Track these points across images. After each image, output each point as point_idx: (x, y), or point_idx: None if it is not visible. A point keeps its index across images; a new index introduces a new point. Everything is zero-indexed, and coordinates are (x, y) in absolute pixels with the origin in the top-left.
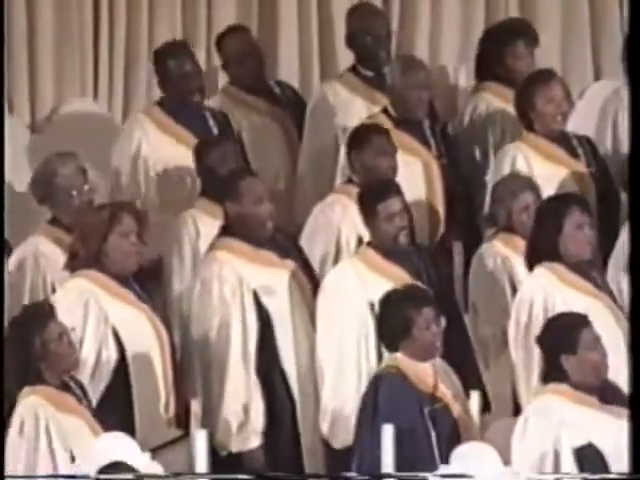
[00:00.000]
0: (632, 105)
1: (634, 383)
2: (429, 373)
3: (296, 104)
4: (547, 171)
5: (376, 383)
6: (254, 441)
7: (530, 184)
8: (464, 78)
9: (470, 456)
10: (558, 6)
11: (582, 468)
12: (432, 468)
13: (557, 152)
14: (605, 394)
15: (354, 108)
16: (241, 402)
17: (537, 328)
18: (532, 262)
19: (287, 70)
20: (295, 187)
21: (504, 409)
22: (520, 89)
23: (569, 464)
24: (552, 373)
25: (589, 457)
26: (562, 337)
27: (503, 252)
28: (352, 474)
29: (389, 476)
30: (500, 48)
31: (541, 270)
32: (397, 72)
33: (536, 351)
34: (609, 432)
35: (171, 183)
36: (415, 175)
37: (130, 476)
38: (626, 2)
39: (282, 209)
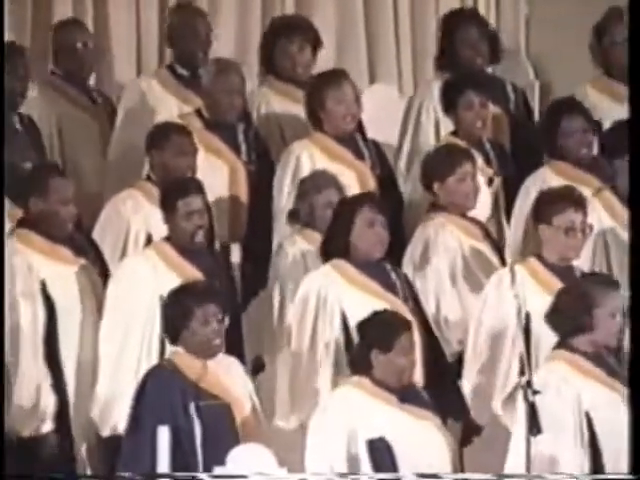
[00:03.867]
0: (632, 105)
1: (634, 383)
2: (207, 369)
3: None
4: (332, 170)
5: (146, 377)
6: (45, 426)
7: (335, 182)
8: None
9: (246, 457)
10: (334, 7)
11: (373, 460)
12: (195, 468)
13: (343, 152)
14: (406, 394)
15: (167, 106)
16: (32, 388)
17: (310, 323)
18: (325, 259)
19: (118, 67)
20: (105, 181)
21: (281, 408)
22: (310, 88)
23: (363, 455)
24: (358, 366)
25: (380, 450)
26: (380, 333)
27: (303, 248)
28: (126, 474)
29: (163, 476)
30: (280, 44)
31: (326, 267)
32: (212, 74)
33: (320, 346)
34: (404, 430)
35: None
36: (220, 178)
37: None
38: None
39: (95, 207)
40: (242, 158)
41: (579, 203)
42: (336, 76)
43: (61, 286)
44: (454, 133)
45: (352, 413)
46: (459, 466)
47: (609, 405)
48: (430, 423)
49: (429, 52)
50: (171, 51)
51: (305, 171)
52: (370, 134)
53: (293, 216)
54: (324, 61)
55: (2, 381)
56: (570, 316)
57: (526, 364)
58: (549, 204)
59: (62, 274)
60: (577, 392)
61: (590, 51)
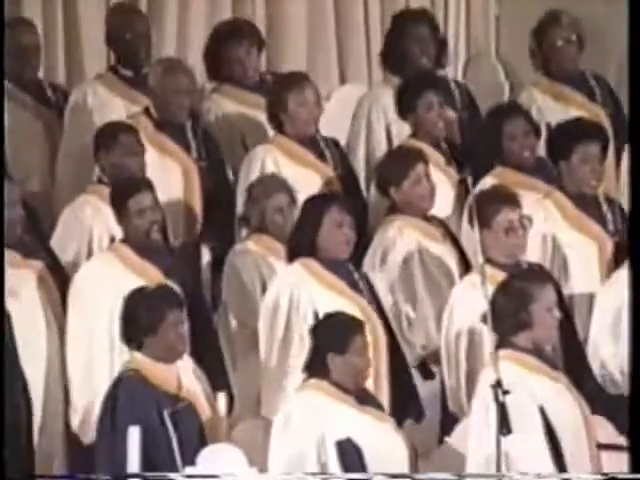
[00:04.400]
0: (632, 105)
1: (634, 383)
2: (173, 374)
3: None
4: (296, 174)
5: (116, 385)
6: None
7: (285, 186)
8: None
9: (216, 457)
10: (304, 7)
11: (343, 462)
12: (174, 470)
13: (306, 155)
14: (362, 395)
15: (113, 108)
16: None
17: (282, 323)
18: (290, 258)
19: (55, 69)
20: (54, 187)
21: (251, 410)
22: (272, 91)
23: (332, 458)
24: (315, 369)
25: (348, 451)
26: (334, 338)
27: (256, 252)
28: (99, 475)
29: (135, 476)
30: (223, 49)
31: (295, 267)
32: (159, 74)
33: (294, 344)
34: (366, 431)
35: None
36: (173, 178)
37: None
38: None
39: (41, 210)
40: (192, 156)
41: (511, 200)
42: (298, 79)
43: (15, 294)
44: (413, 135)
45: (315, 415)
46: (415, 468)
47: (558, 397)
48: (388, 425)
49: None
50: (113, 52)
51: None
52: (340, 135)
53: (244, 221)
54: (295, 62)
55: (2, 385)
56: (508, 315)
57: (495, 364)
58: (484, 208)
59: (16, 280)
60: (529, 388)
61: (530, 55)
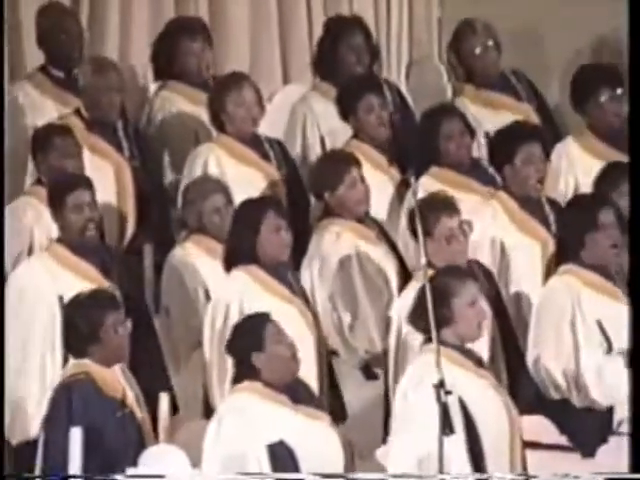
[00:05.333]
0: (632, 105)
1: (634, 383)
2: (117, 377)
3: None
4: (239, 173)
5: (67, 390)
6: None
7: (221, 186)
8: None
9: (158, 458)
10: (247, 8)
11: (274, 466)
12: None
13: (249, 155)
14: (297, 394)
15: (44, 109)
16: None
17: (226, 328)
18: (230, 265)
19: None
20: None
21: (195, 411)
22: (212, 91)
23: (264, 462)
24: (244, 373)
25: (280, 455)
26: (249, 337)
27: (195, 254)
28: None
29: (77, 477)
30: (174, 46)
31: (238, 273)
32: (88, 74)
33: None
34: (299, 431)
35: None
36: (106, 178)
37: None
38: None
39: None
40: (125, 155)
41: (450, 207)
42: (237, 79)
43: None
44: (355, 137)
45: (247, 418)
46: (351, 465)
47: (480, 394)
48: (323, 423)
49: None
50: (44, 53)
51: (214, 175)
52: (284, 135)
53: (181, 223)
54: (238, 62)
55: (2, 381)
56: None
57: (438, 364)
58: (424, 217)
59: None
60: (450, 383)
61: (449, 68)
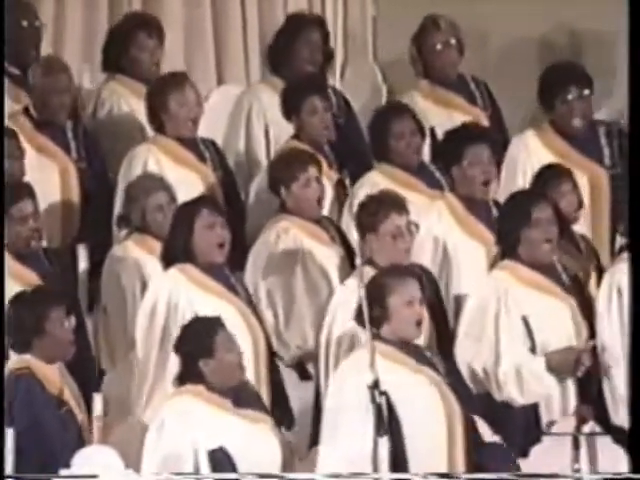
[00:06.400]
0: (632, 105)
1: (634, 383)
2: (56, 375)
3: None
4: (177, 174)
5: (12, 382)
6: None
7: (163, 184)
8: (88, 78)
9: (91, 458)
10: (182, 6)
11: (214, 470)
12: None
13: (186, 156)
14: (240, 397)
15: None
16: None
17: (160, 327)
18: (167, 263)
19: None
20: None
21: (129, 411)
22: (152, 90)
23: (204, 466)
24: (189, 375)
25: (220, 460)
26: (199, 342)
27: (136, 253)
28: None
29: (11, 477)
30: (125, 40)
31: (172, 271)
32: (39, 74)
33: (170, 353)
34: (240, 435)
35: None
36: (51, 178)
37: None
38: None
39: None
40: (72, 156)
41: (400, 205)
42: (178, 79)
43: None
44: (296, 137)
45: (188, 422)
46: (291, 467)
47: (415, 391)
48: (264, 425)
49: None
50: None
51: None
52: (218, 135)
53: (124, 221)
54: (172, 62)
55: (2, 384)
56: (370, 308)
57: (372, 364)
58: (371, 213)
59: None
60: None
61: (410, 61)
